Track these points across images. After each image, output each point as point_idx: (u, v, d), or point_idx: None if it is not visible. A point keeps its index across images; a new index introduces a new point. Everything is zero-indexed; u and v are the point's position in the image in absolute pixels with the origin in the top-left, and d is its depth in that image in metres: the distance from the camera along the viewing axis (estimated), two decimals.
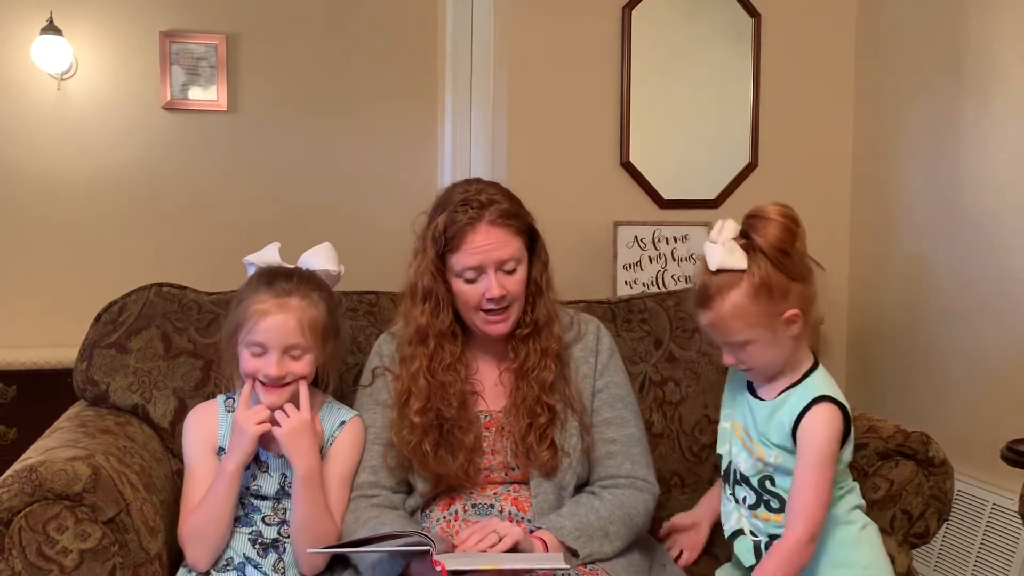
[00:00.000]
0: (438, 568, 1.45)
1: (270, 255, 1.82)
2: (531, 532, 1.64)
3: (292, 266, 1.81)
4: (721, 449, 1.76)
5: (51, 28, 3.58)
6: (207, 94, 3.81)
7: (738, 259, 1.58)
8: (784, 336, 1.61)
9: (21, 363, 3.34)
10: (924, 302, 2.94)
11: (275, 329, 1.69)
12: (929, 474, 1.82)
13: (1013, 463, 1.99)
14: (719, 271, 1.59)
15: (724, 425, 1.76)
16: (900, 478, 1.81)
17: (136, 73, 3.77)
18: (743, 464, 1.69)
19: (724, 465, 1.75)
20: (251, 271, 1.83)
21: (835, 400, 1.61)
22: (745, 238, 1.61)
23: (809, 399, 1.61)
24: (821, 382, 1.65)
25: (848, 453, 1.67)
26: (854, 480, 1.74)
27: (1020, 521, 2.20)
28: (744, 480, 1.70)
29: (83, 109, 3.73)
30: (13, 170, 3.67)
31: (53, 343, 3.50)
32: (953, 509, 1.92)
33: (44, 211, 3.70)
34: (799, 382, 1.65)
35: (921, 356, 2.95)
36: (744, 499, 1.70)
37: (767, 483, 1.67)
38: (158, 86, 3.77)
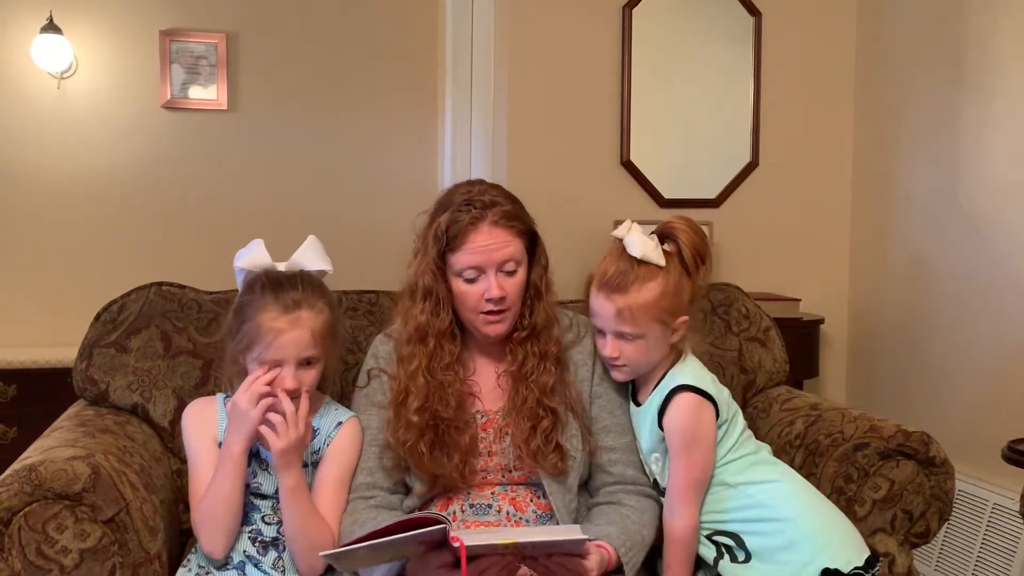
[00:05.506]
0: (456, 544, 1.47)
1: (260, 257, 1.78)
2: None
3: (289, 270, 1.78)
4: None
5: (51, 27, 3.58)
6: (207, 93, 3.81)
7: (659, 256, 1.66)
8: (666, 340, 1.69)
9: (21, 362, 3.34)
10: (924, 302, 2.94)
11: (290, 345, 1.70)
12: (930, 474, 1.82)
13: (1013, 463, 1.99)
14: (643, 262, 1.65)
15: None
16: (901, 478, 1.80)
17: (136, 72, 3.76)
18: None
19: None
20: (240, 276, 1.80)
21: (694, 388, 1.67)
22: (663, 242, 1.68)
23: (667, 392, 1.68)
24: (682, 373, 1.70)
25: (732, 437, 1.70)
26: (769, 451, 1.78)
27: (1021, 521, 2.20)
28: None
29: (83, 108, 3.73)
30: (13, 169, 3.67)
31: (53, 342, 3.50)
32: (954, 509, 1.92)
33: (44, 210, 3.70)
34: (662, 379, 1.71)
35: (921, 356, 2.95)
36: None
37: None
38: (158, 85, 3.77)
